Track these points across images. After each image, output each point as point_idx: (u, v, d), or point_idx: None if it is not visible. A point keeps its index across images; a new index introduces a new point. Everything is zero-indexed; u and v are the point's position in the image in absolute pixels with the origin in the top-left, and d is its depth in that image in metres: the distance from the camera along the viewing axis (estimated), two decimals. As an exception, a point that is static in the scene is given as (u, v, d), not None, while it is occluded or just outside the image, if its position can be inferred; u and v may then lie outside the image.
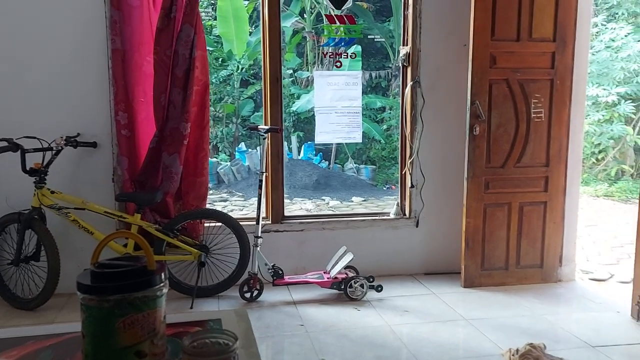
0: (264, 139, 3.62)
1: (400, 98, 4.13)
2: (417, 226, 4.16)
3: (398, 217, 4.17)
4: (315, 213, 4.61)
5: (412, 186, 4.12)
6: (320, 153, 9.82)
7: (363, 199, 8.19)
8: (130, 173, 3.61)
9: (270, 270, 3.63)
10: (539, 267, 4.00)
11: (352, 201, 8.11)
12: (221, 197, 8.39)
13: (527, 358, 2.68)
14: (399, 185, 4.24)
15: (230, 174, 9.04)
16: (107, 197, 3.65)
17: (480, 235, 3.88)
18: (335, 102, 4.11)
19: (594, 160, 10.35)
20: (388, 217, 4.19)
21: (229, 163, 9.27)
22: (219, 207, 7.45)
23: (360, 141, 4.19)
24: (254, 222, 3.68)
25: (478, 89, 3.73)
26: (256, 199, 3.71)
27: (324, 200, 8.11)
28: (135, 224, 3.46)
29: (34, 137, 3.40)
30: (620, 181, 10.56)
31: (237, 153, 9.55)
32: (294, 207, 7.60)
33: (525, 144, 3.87)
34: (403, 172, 4.18)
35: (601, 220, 7.02)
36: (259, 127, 3.69)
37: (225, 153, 9.94)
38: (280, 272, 3.66)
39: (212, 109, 9.73)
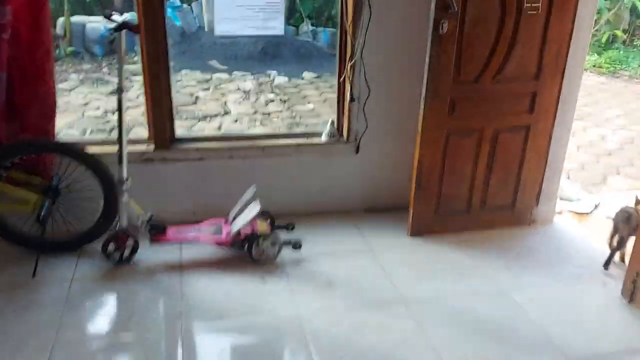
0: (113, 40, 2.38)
1: (339, -28, 2.86)
2: (357, 152, 3.14)
3: (332, 141, 3.12)
4: (221, 134, 3.49)
5: (352, 100, 3.03)
6: (271, 12, 8.31)
7: (316, 75, 6.98)
8: None
9: (145, 224, 2.64)
10: (510, 207, 3.11)
11: (303, 78, 6.90)
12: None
13: None
14: (336, 98, 3.13)
15: (160, 38, 7.58)
16: None
17: (438, 171, 2.91)
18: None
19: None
20: (319, 142, 3.14)
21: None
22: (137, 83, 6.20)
23: (282, 33, 2.98)
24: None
25: (450, -34, 2.49)
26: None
27: (269, 76, 6.87)
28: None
29: None
30: (611, 50, 9.55)
31: (168, 9, 7.95)
32: (231, 86, 6.40)
33: (511, 47, 2.74)
34: (341, 80, 3.05)
35: (587, 111, 6.06)
36: (112, 16, 2.42)
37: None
38: (162, 226, 2.68)
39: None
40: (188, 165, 2.96)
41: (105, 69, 6.86)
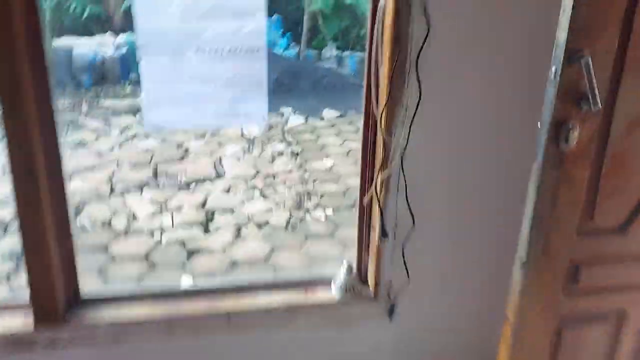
0: None
1: (369, 25, 1.60)
2: (390, 317, 1.84)
3: (349, 298, 1.83)
4: (156, 292, 2.06)
5: (384, 234, 1.73)
6: (289, 33, 7.09)
7: (339, 114, 5.70)
8: None
9: None
10: None
11: (323, 118, 5.64)
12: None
13: None
14: (357, 228, 1.84)
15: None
16: None
17: (540, 381, 1.59)
18: (201, 22, 1.57)
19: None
20: (327, 298, 1.84)
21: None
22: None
23: (265, 120, 1.76)
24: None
25: (590, 22, 1.20)
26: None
27: (282, 114, 5.61)
28: None
29: None
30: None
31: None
32: (233, 131, 5.15)
33: (694, 168, 1.42)
34: (367, 201, 1.76)
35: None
36: None
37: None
38: None
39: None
40: (96, 353, 1.71)
41: (85, 107, 5.69)
